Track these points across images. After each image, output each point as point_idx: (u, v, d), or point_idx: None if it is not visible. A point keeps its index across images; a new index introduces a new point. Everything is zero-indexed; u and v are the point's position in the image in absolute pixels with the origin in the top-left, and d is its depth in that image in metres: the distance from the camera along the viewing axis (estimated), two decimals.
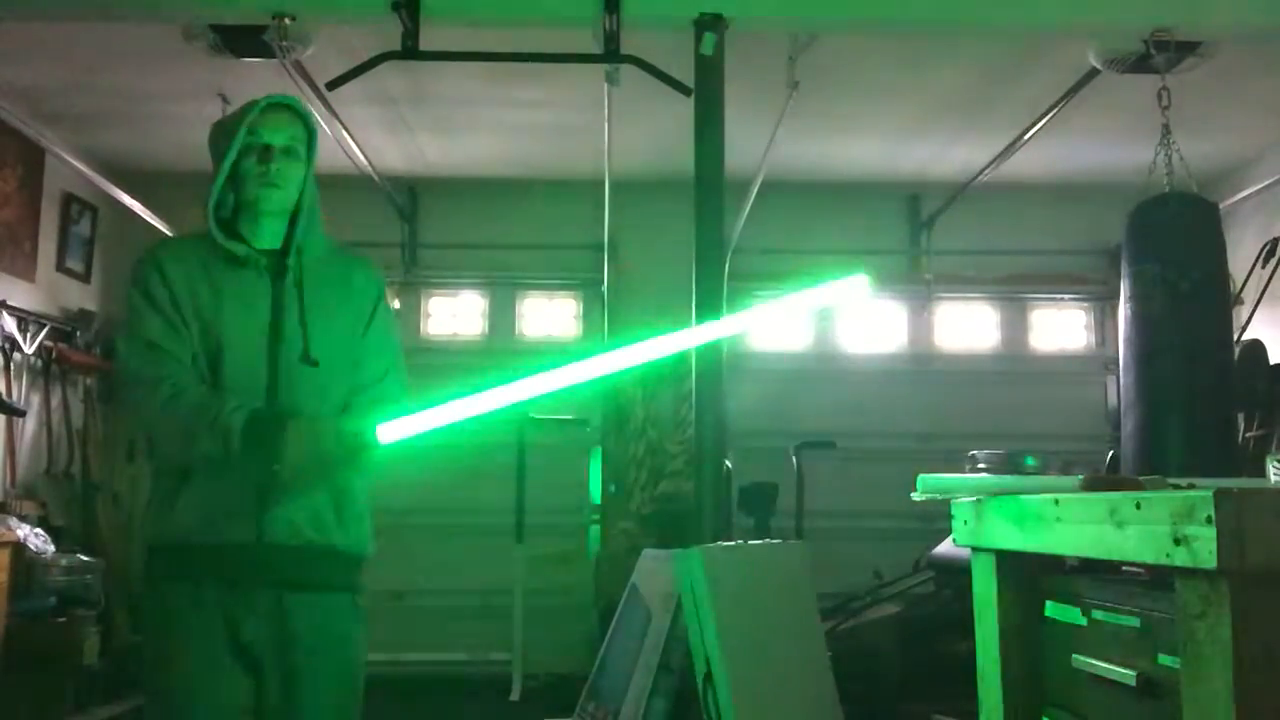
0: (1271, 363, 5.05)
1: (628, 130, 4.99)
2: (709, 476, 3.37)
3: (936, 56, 4.67)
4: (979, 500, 1.86)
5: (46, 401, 5.47)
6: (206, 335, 1.97)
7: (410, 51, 3.52)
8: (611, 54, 3.56)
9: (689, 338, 1.82)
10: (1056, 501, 1.60)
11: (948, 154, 5.86)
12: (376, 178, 5.74)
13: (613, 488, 6.04)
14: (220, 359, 1.96)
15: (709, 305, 3.38)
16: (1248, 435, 4.89)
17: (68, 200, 5.77)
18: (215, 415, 1.87)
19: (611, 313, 6.15)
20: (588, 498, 6.18)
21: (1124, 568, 1.62)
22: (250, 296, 2.00)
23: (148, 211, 5.58)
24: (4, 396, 5.05)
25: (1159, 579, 1.48)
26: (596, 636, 4.23)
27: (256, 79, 4.33)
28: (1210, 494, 1.22)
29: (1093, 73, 4.29)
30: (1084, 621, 1.65)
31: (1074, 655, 1.66)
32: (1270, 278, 5.17)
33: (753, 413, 5.90)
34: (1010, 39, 4.37)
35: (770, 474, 5.16)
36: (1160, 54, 3.79)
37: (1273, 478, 2.48)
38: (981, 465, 4.59)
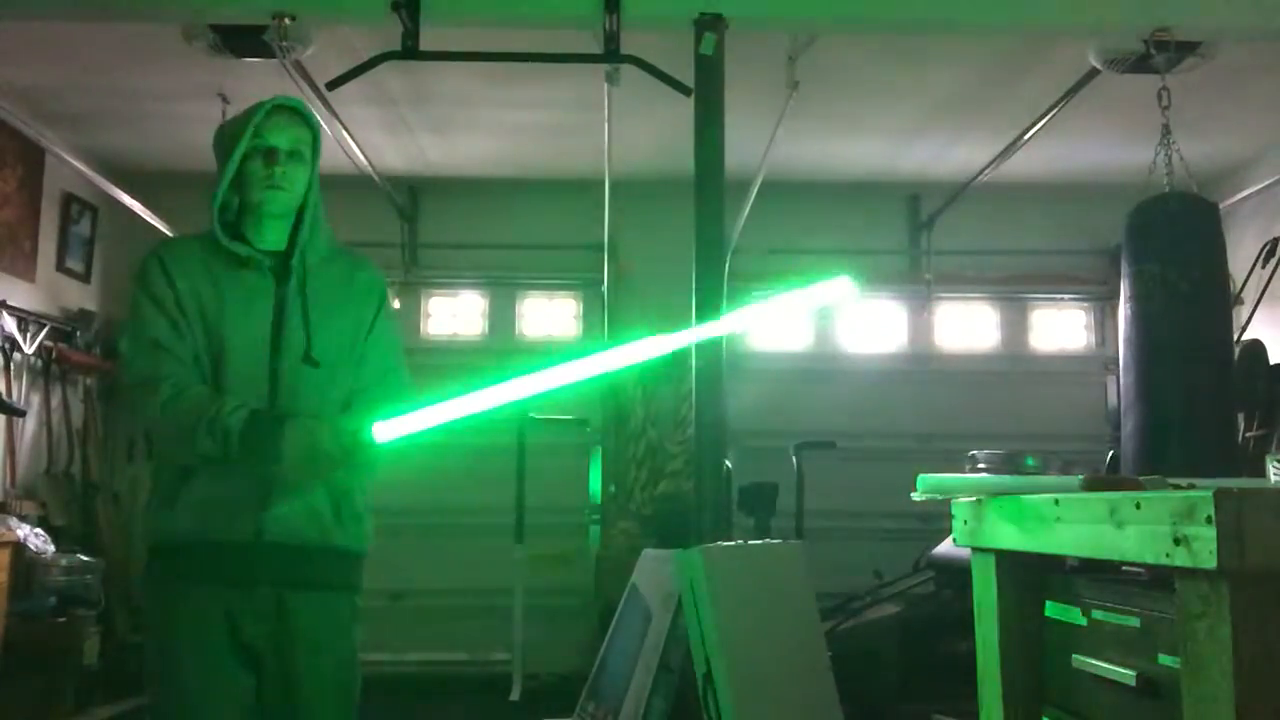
0: (1271, 363, 5.05)
1: (628, 130, 4.99)
2: (709, 476, 3.37)
3: (936, 56, 4.67)
4: (979, 500, 1.86)
5: (46, 401, 5.47)
6: (210, 336, 1.98)
7: (410, 51, 3.52)
8: (611, 54, 3.56)
9: (676, 340, 1.81)
10: (1056, 501, 1.60)
11: (948, 154, 5.86)
12: (376, 178, 5.74)
13: (613, 488, 6.05)
14: (223, 360, 1.97)
15: (709, 305, 3.38)
16: (1248, 435, 4.89)
17: (68, 200, 5.77)
18: (215, 415, 1.88)
19: (611, 313, 6.15)
20: (588, 498, 6.18)
21: (1124, 568, 1.62)
22: (253, 298, 2.01)
23: (148, 211, 5.58)
24: (4, 396, 5.05)
25: (1159, 579, 1.48)
26: (596, 636, 4.23)
27: (256, 79, 4.33)
28: (1210, 494, 1.22)
29: (1093, 73, 4.29)
30: (1084, 621, 1.65)
31: (1074, 655, 1.66)
32: (1270, 278, 5.17)
33: (753, 413, 5.90)
34: (1010, 39, 4.37)
35: (770, 474, 5.15)
36: (1160, 54, 3.79)
37: (1273, 478, 2.47)
38: (981, 465, 4.59)
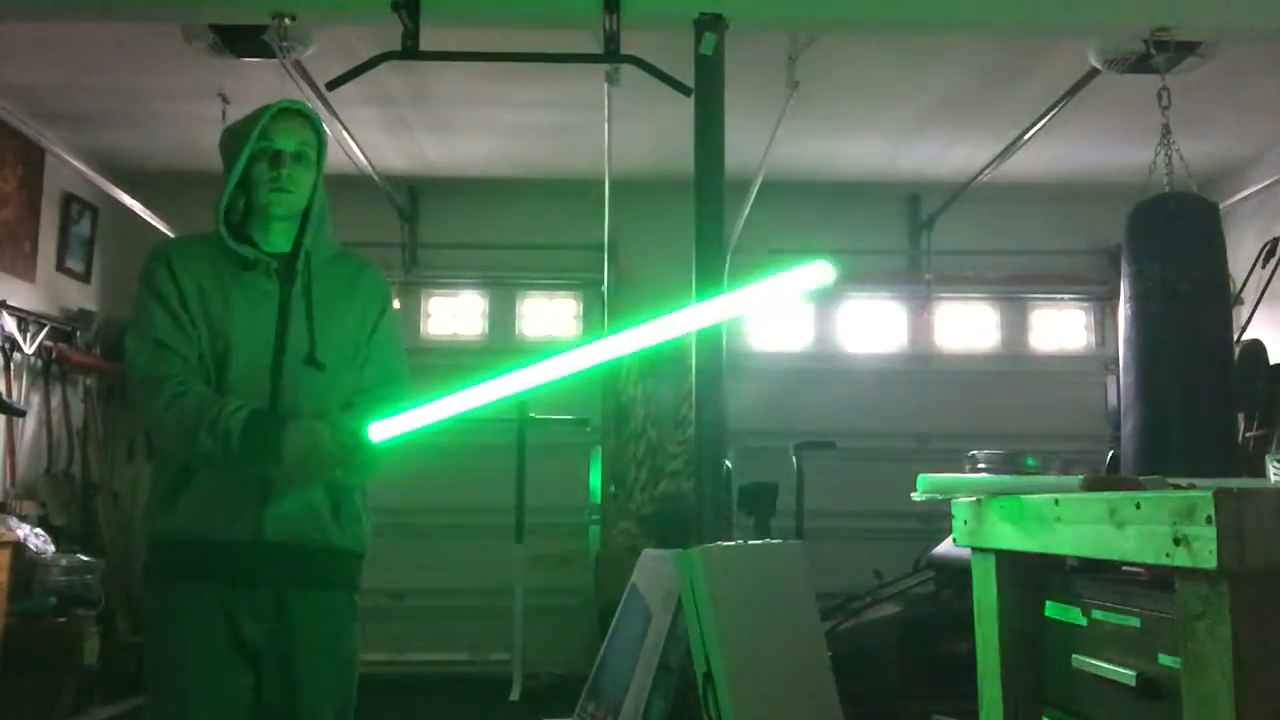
0: (1271, 363, 5.05)
1: (628, 130, 4.99)
2: (709, 476, 3.37)
3: (936, 56, 4.67)
4: (979, 500, 1.86)
5: (46, 401, 5.48)
6: (214, 336, 1.99)
7: (410, 51, 3.52)
8: (611, 54, 3.56)
9: (653, 332, 1.81)
10: (1056, 501, 1.60)
11: (948, 154, 5.86)
12: (376, 178, 5.74)
13: (613, 488, 6.05)
14: (226, 360, 1.98)
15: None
16: (1248, 435, 4.89)
17: (68, 200, 5.77)
18: (216, 416, 1.89)
19: (611, 313, 6.15)
20: (588, 498, 6.18)
21: (1124, 568, 1.62)
22: (258, 299, 2.03)
23: (148, 211, 5.58)
24: (4, 396, 5.05)
25: (1159, 579, 1.48)
26: (596, 636, 4.23)
27: (256, 79, 4.34)
28: (1210, 494, 1.22)
29: (1093, 73, 4.29)
30: (1084, 621, 1.65)
31: (1074, 655, 1.66)
32: (1270, 278, 5.17)
33: (753, 413, 5.90)
34: (1010, 39, 4.37)
35: (770, 474, 5.15)
36: (1160, 54, 3.79)
37: (1273, 478, 2.48)
38: (981, 465, 4.58)
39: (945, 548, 4.23)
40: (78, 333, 5.71)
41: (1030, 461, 4.49)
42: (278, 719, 2.00)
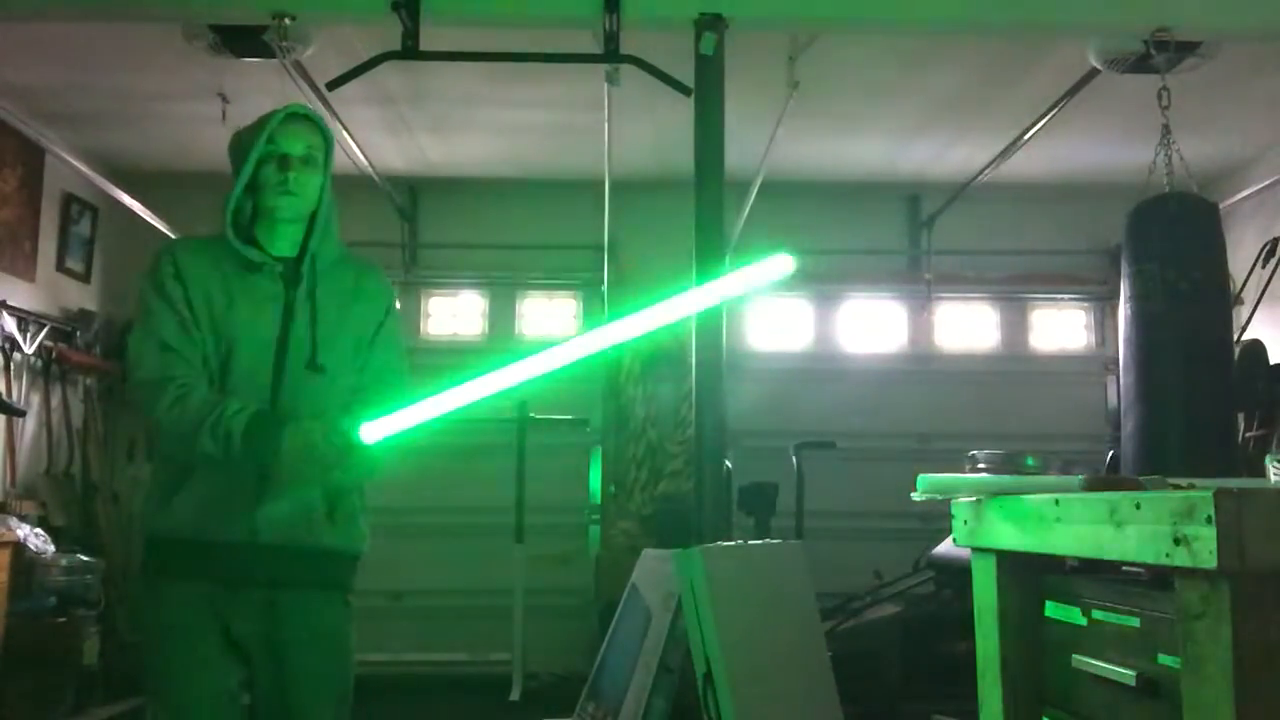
0: (1271, 363, 5.05)
1: (628, 130, 4.99)
2: (709, 476, 3.37)
3: (936, 56, 4.67)
4: (979, 500, 1.86)
5: (46, 401, 5.47)
6: (217, 337, 2.00)
7: (410, 51, 3.52)
8: (611, 54, 3.56)
9: (613, 334, 1.80)
10: (1056, 501, 1.60)
11: (948, 154, 5.86)
12: (376, 178, 5.74)
13: (613, 488, 6.05)
14: (229, 362, 2.00)
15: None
16: (1248, 435, 4.89)
17: (68, 200, 5.77)
18: (218, 418, 1.91)
19: (611, 313, 6.15)
20: (588, 498, 6.18)
21: (1124, 568, 1.61)
22: (263, 301, 2.04)
23: (148, 211, 5.57)
24: (4, 396, 5.05)
25: (1159, 579, 1.48)
26: (596, 636, 4.23)
27: (256, 79, 4.34)
28: (1210, 494, 1.22)
29: (1093, 73, 4.29)
30: (1084, 621, 1.65)
31: (1074, 655, 1.66)
32: (1270, 278, 5.16)
33: (753, 413, 5.90)
34: (1010, 39, 4.37)
35: (770, 474, 5.16)
36: (1160, 54, 3.79)
37: (1273, 478, 2.47)
38: (981, 465, 4.58)
39: (945, 548, 4.23)
40: (78, 333, 5.70)
41: (1030, 461, 4.49)
42: (272, 718, 2.01)
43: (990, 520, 1.82)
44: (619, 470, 6.01)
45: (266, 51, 3.90)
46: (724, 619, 2.73)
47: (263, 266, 2.04)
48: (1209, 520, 1.21)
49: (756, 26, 3.69)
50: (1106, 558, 1.48)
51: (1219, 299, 3.98)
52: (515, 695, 5.29)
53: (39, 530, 4.85)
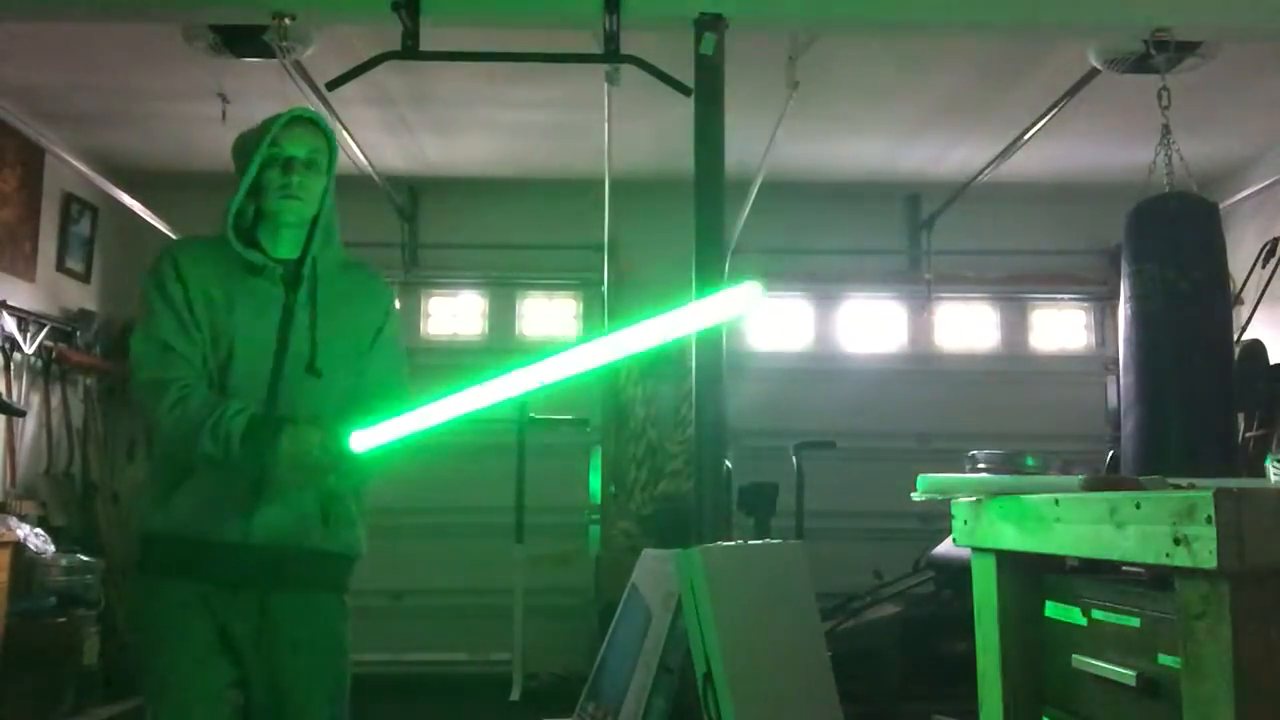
0: (1271, 363, 5.05)
1: (628, 130, 4.99)
2: (709, 476, 3.37)
3: (936, 56, 4.67)
4: (979, 500, 1.86)
5: (46, 401, 5.47)
6: (217, 339, 2.01)
7: (410, 51, 3.52)
8: (611, 54, 3.56)
9: (570, 362, 1.76)
10: (1056, 501, 1.60)
11: (948, 154, 5.86)
12: (376, 178, 5.74)
13: (613, 488, 6.04)
14: (229, 364, 2.01)
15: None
16: (1248, 435, 4.89)
17: (68, 200, 5.77)
18: (218, 419, 1.92)
19: (611, 313, 6.15)
20: (588, 498, 6.18)
21: (1124, 568, 1.61)
22: (263, 304, 2.05)
23: (148, 211, 5.58)
24: (4, 396, 5.05)
25: (1159, 579, 1.48)
26: (596, 636, 4.22)
27: (256, 79, 4.34)
28: (1210, 494, 1.22)
29: (1093, 73, 4.29)
30: (1084, 621, 1.65)
31: (1074, 655, 1.66)
32: (1270, 278, 5.16)
33: (753, 413, 5.90)
34: (1010, 39, 4.37)
35: (770, 474, 5.16)
36: (1160, 54, 3.78)
37: (1273, 478, 2.48)
38: (981, 465, 4.59)
39: (945, 548, 4.23)
40: (78, 333, 5.70)
41: (1030, 461, 4.50)
42: (266, 718, 2.02)
43: (990, 520, 1.82)
44: (619, 470, 6.01)
45: (266, 51, 3.89)
46: (724, 619, 2.73)
47: (264, 269, 2.05)
48: (1209, 520, 1.21)
49: (756, 26, 3.69)
50: (1106, 558, 1.48)
51: (1219, 299, 3.97)
52: (515, 695, 5.29)
53: (39, 530, 4.85)
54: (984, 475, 4.17)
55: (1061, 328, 6.68)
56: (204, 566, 1.98)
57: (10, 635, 4.39)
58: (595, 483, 6.19)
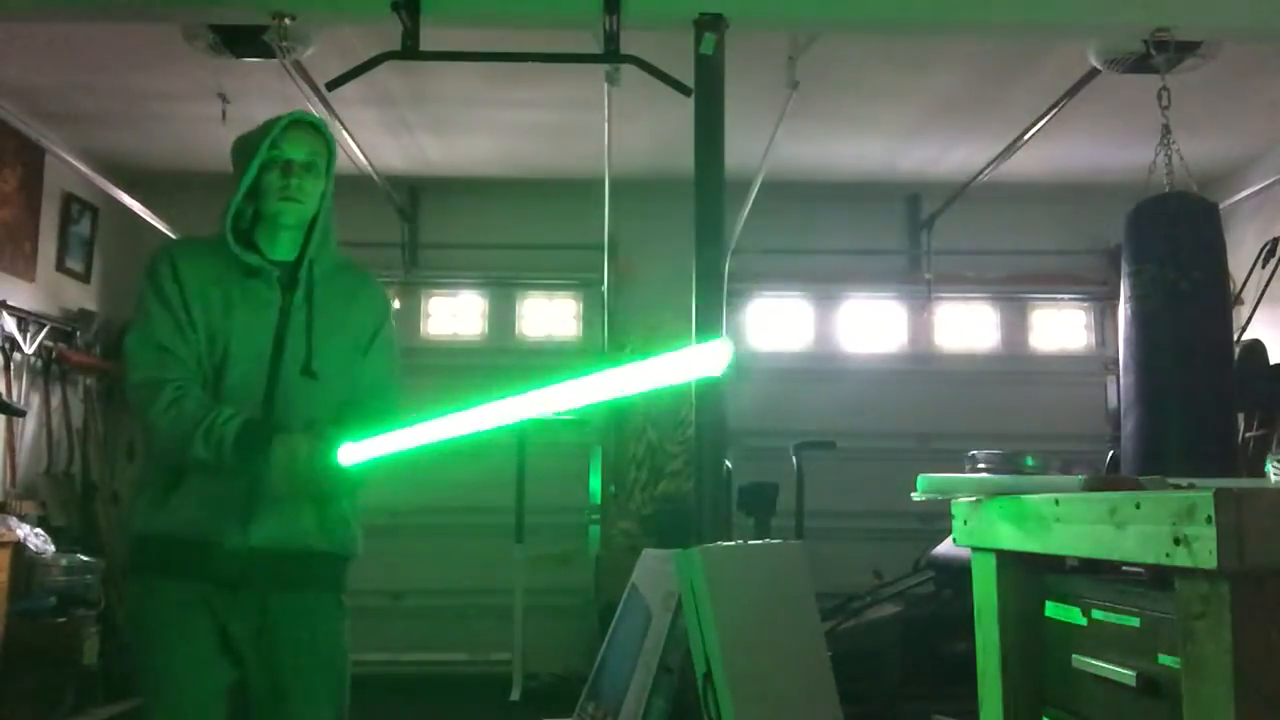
0: (1271, 363, 5.05)
1: (628, 130, 4.99)
2: (709, 476, 3.37)
3: (936, 56, 4.67)
4: (979, 500, 1.86)
5: (46, 401, 5.47)
6: (213, 340, 2.01)
7: (410, 51, 3.52)
8: (611, 54, 3.56)
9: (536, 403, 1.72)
10: (1056, 501, 1.60)
11: (948, 154, 5.86)
12: (376, 178, 5.74)
13: (613, 488, 6.04)
14: (225, 366, 2.01)
15: (709, 305, 3.38)
16: (1248, 435, 4.89)
17: (68, 200, 5.77)
18: (211, 423, 1.92)
19: (611, 313, 6.16)
20: (588, 498, 6.18)
21: (1124, 568, 1.62)
22: (259, 306, 2.05)
23: (148, 211, 5.58)
24: (4, 396, 5.05)
25: (1159, 579, 1.48)
26: (596, 636, 4.23)
27: (256, 79, 4.34)
28: (1210, 494, 1.22)
29: (1093, 73, 4.29)
30: (1084, 621, 1.65)
31: (1074, 655, 1.66)
32: (1270, 278, 5.16)
33: (753, 413, 5.90)
34: (1010, 39, 4.37)
35: (770, 474, 5.16)
36: (1160, 54, 3.79)
37: (1273, 478, 2.47)
38: (981, 465, 4.59)
39: (945, 548, 4.23)
40: (78, 333, 5.70)
41: (1030, 461, 4.50)
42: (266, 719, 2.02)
43: (990, 520, 1.82)
44: (619, 470, 6.01)
45: (266, 51, 3.89)
46: (724, 619, 2.73)
47: (261, 271, 2.05)
48: (1209, 520, 1.21)
49: (756, 26, 3.69)
50: (1106, 558, 1.48)
51: (1219, 299, 3.97)
52: (515, 695, 5.29)
53: (39, 530, 4.85)
54: (984, 475, 4.17)
55: (1061, 328, 6.68)
56: (205, 567, 1.98)
57: (10, 635, 4.39)
58: (595, 483, 6.19)
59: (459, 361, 6.21)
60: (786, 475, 5.17)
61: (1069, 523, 1.56)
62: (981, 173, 5.72)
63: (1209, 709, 1.26)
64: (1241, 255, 5.25)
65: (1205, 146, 5.07)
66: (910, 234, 6.61)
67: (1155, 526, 1.32)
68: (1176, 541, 1.27)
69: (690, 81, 3.52)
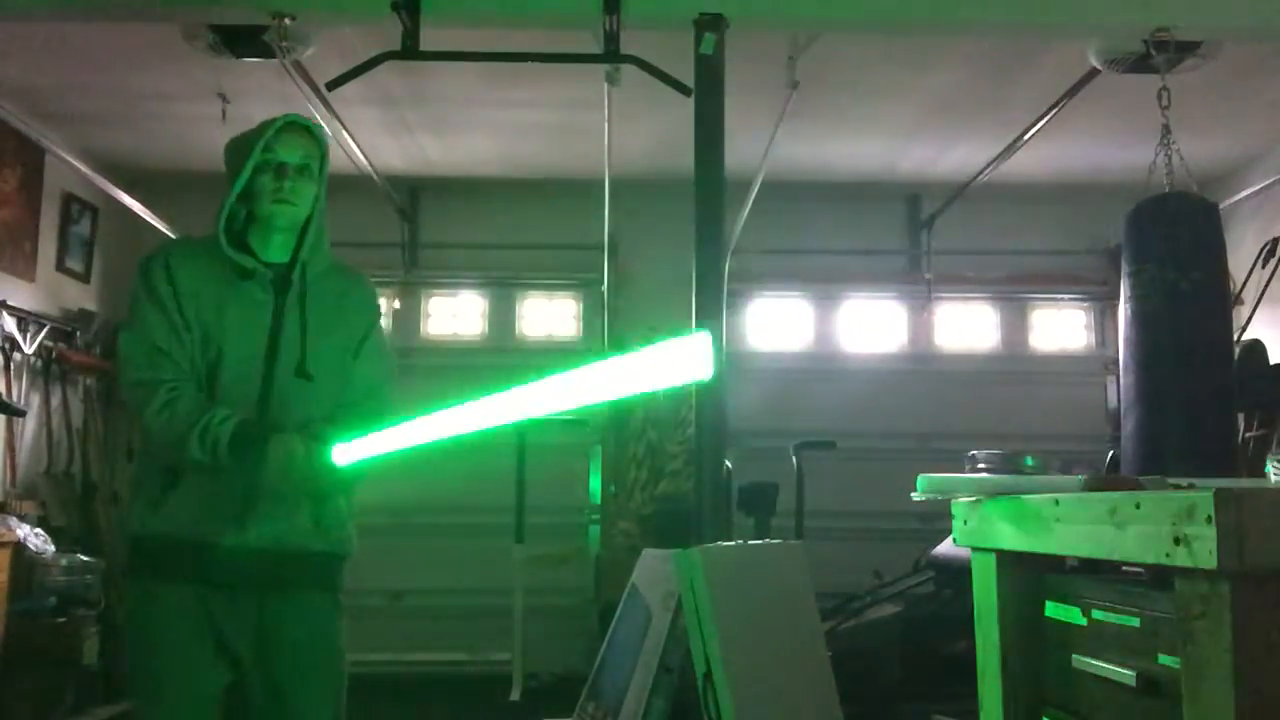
0: (1271, 363, 5.05)
1: (628, 130, 4.99)
2: (709, 476, 3.37)
3: (936, 56, 4.67)
4: (979, 500, 1.86)
5: (46, 401, 5.47)
6: (207, 341, 2.01)
7: (410, 51, 3.52)
8: (611, 54, 3.56)
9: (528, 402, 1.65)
10: (1056, 501, 1.60)
11: (948, 154, 5.86)
12: (376, 178, 5.74)
13: (613, 488, 6.04)
14: (218, 366, 2.01)
15: (709, 305, 3.38)
16: (1248, 435, 4.89)
17: (68, 200, 5.77)
18: (206, 424, 1.92)
19: (611, 313, 6.15)
20: (588, 498, 6.18)
21: (1124, 568, 1.61)
22: (252, 308, 2.05)
23: (148, 211, 5.58)
24: (4, 396, 5.05)
25: (1159, 579, 1.48)
26: (596, 636, 4.22)
27: (256, 79, 4.34)
28: (1210, 494, 1.22)
29: (1093, 73, 4.29)
30: (1084, 621, 1.65)
31: (1074, 655, 1.66)
32: (1270, 278, 5.16)
33: (753, 413, 5.90)
34: (1010, 39, 4.37)
35: (770, 474, 5.15)
36: (1160, 54, 3.79)
37: (1273, 478, 2.48)
38: (981, 465, 4.58)
39: (945, 548, 4.23)
40: (78, 333, 5.70)
41: (1030, 461, 4.49)
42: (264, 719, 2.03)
43: (990, 520, 1.82)
44: (619, 470, 6.01)
45: (266, 51, 3.89)
46: (724, 619, 2.73)
47: (254, 273, 2.06)
48: (1209, 520, 1.21)
49: (756, 26, 3.69)
50: (1106, 558, 1.48)
51: (1219, 299, 3.97)
52: (515, 695, 5.28)
53: (39, 530, 4.85)
54: (984, 475, 4.16)
55: (1061, 328, 6.68)
56: (202, 569, 1.98)
57: (10, 635, 4.39)
58: (595, 483, 6.19)
59: (459, 361, 6.20)
60: (786, 475, 5.16)
61: (1069, 523, 1.56)
62: (981, 173, 5.72)
63: (1209, 709, 1.26)
64: (1241, 255, 5.25)
65: (1205, 146, 5.07)
66: (910, 234, 6.61)
67: (1155, 526, 1.32)
68: (1176, 541, 1.27)
69: (690, 81, 3.52)
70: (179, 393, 1.96)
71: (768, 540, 4.15)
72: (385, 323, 6.33)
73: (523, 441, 5.55)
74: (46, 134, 5.32)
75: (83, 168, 5.44)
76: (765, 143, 4.64)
